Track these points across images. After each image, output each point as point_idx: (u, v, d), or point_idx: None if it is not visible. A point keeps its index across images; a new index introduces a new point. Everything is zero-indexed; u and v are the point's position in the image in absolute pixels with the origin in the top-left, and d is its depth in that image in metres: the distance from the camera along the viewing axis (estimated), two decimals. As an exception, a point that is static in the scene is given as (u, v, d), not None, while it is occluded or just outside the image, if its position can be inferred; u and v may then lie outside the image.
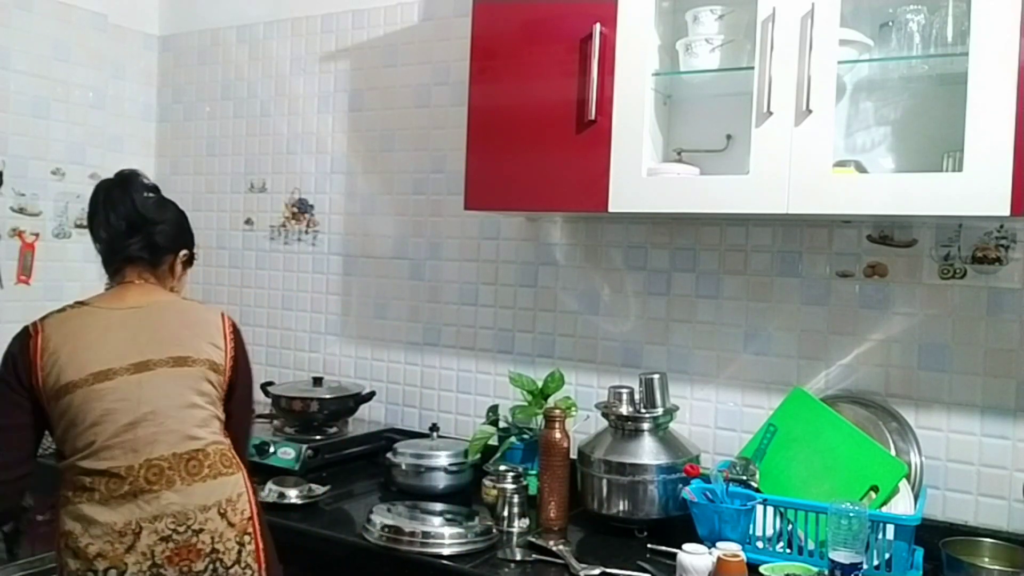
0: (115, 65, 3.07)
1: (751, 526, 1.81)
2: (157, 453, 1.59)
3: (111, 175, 1.77)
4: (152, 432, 1.60)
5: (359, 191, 2.77)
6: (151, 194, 1.75)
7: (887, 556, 1.70)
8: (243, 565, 1.62)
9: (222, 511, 1.62)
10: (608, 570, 1.74)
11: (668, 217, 2.18)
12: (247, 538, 1.64)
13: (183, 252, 1.81)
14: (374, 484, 2.33)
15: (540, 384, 2.27)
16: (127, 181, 1.74)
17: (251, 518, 1.66)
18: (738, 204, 1.83)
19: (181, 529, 1.57)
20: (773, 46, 1.76)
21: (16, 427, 1.61)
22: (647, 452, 1.98)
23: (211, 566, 1.58)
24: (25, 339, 1.63)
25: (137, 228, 1.70)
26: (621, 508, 1.98)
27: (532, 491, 2.09)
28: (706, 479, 1.95)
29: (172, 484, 1.59)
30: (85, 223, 2.90)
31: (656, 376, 2.03)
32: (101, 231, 1.71)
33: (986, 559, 1.79)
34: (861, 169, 1.92)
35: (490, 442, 2.27)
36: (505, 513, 2.00)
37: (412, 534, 1.84)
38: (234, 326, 1.79)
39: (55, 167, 2.89)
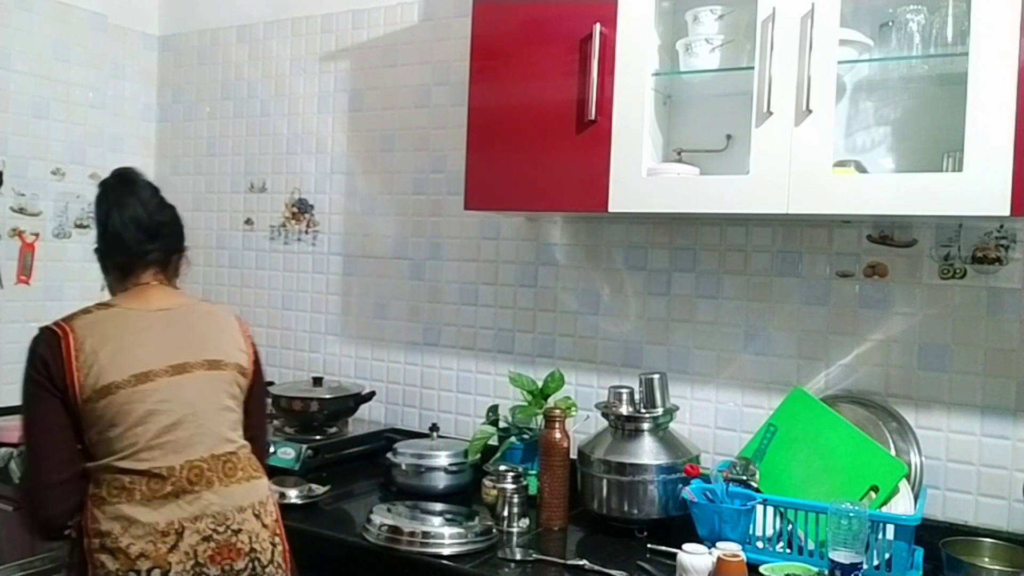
0: (115, 65, 3.07)
1: (751, 526, 1.81)
2: (196, 455, 1.62)
3: (110, 175, 1.78)
4: (191, 434, 1.62)
5: (359, 191, 2.77)
6: (154, 195, 1.76)
7: (887, 556, 1.70)
8: (276, 564, 1.67)
9: (256, 512, 1.66)
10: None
11: (668, 217, 2.18)
12: (277, 539, 1.69)
13: (185, 253, 1.82)
14: (374, 484, 2.33)
15: (540, 384, 2.27)
16: (131, 181, 1.75)
17: (277, 520, 1.71)
18: (738, 204, 1.83)
19: (221, 529, 1.60)
20: (773, 46, 1.76)
21: (60, 427, 1.61)
22: (647, 452, 1.98)
23: (250, 564, 1.62)
24: (55, 340, 1.60)
25: (155, 233, 1.72)
26: (621, 508, 1.98)
27: (532, 491, 2.09)
28: (706, 479, 1.95)
29: (211, 485, 1.62)
30: (85, 223, 2.94)
31: (656, 376, 2.03)
32: (111, 233, 1.71)
33: (986, 559, 1.79)
34: (861, 169, 1.92)
35: (490, 442, 2.27)
36: (505, 513, 2.00)
37: (412, 534, 1.83)
38: (248, 329, 1.83)
39: (55, 167, 2.89)
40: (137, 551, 1.54)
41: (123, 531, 1.55)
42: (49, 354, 1.60)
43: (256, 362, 1.79)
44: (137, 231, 1.71)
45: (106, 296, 1.77)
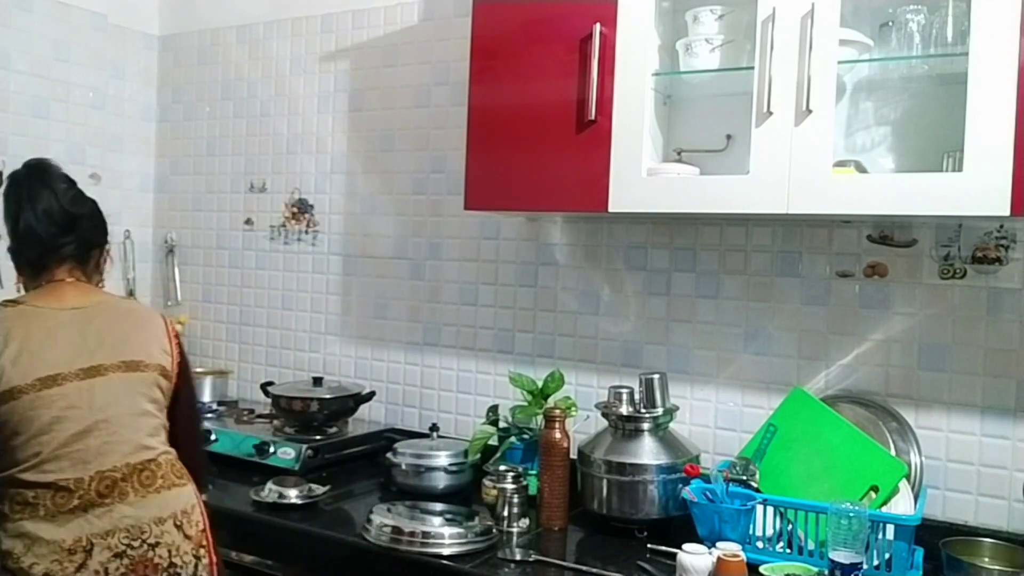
0: (115, 65, 3.07)
1: (751, 526, 1.81)
2: (109, 464, 1.52)
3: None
4: (103, 442, 1.52)
5: (359, 191, 2.77)
6: (69, 187, 1.65)
7: (887, 556, 1.70)
8: None
9: (178, 523, 1.56)
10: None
11: (668, 217, 2.18)
12: (202, 551, 1.59)
13: (106, 246, 1.73)
14: (374, 484, 2.33)
15: (540, 384, 2.27)
16: (44, 172, 1.64)
17: (204, 531, 1.61)
18: (738, 204, 1.83)
19: (136, 544, 1.51)
20: (773, 46, 1.76)
21: None
22: (647, 452, 1.97)
23: None
24: None
25: (69, 226, 1.61)
26: (621, 508, 1.97)
27: (532, 491, 2.09)
28: (706, 479, 1.95)
29: (125, 496, 1.52)
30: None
31: (656, 376, 2.03)
32: (23, 227, 1.59)
33: (986, 559, 1.79)
34: (861, 169, 1.92)
35: (490, 442, 2.27)
36: (505, 513, 2.00)
37: (412, 534, 1.83)
38: (175, 330, 1.72)
39: (55, 167, 2.88)
40: (40, 571, 1.44)
41: (25, 550, 1.45)
42: None
43: (182, 364, 1.68)
44: (50, 224, 1.59)
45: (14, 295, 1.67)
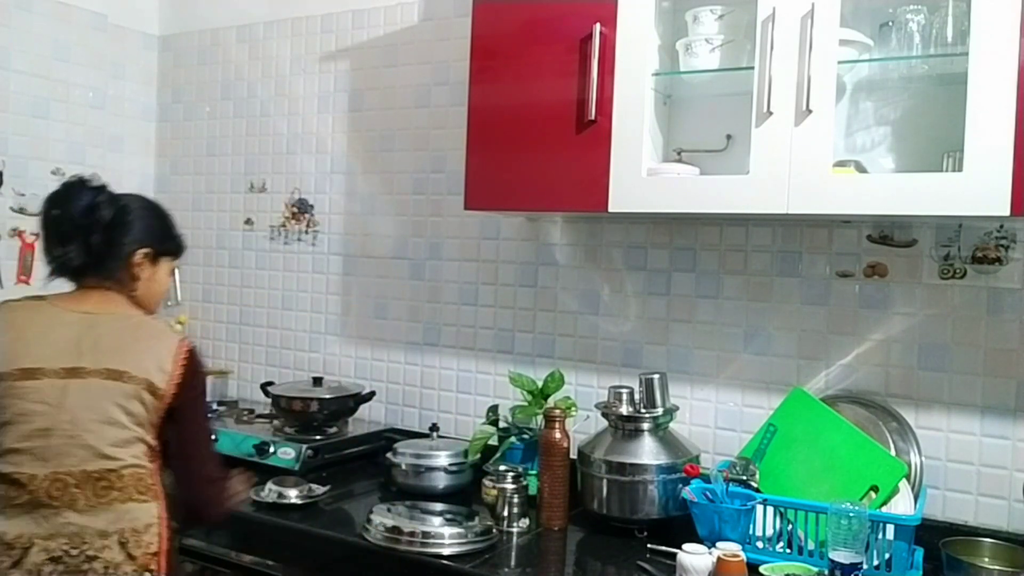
0: (115, 65, 3.07)
1: (751, 526, 1.81)
2: (66, 467, 1.49)
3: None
4: (63, 443, 1.49)
5: (359, 191, 2.77)
6: (92, 198, 1.61)
7: (887, 556, 1.70)
8: None
9: (123, 540, 1.50)
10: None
11: (668, 217, 2.18)
12: (147, 575, 1.52)
13: (142, 251, 1.66)
14: (374, 484, 2.33)
15: (540, 384, 2.27)
16: (66, 192, 1.62)
17: (157, 554, 1.53)
18: (738, 204, 1.83)
19: (74, 552, 1.47)
20: (773, 46, 1.76)
21: None
22: (647, 452, 1.98)
23: None
24: None
25: (69, 237, 1.59)
26: (621, 508, 1.98)
27: (532, 491, 2.09)
28: (706, 479, 1.95)
29: (75, 503, 1.48)
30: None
31: (656, 376, 2.03)
32: (43, 248, 1.63)
33: (986, 559, 1.79)
34: (861, 169, 1.92)
35: (490, 442, 2.27)
36: (505, 513, 2.00)
37: (412, 534, 1.83)
38: (191, 354, 1.62)
39: (55, 167, 2.88)
40: None
41: None
42: None
43: (183, 387, 1.58)
44: (53, 234, 1.60)
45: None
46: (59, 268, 1.62)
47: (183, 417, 1.60)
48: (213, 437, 1.71)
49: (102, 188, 1.64)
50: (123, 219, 1.64)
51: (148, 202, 1.76)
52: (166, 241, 1.75)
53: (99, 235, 1.60)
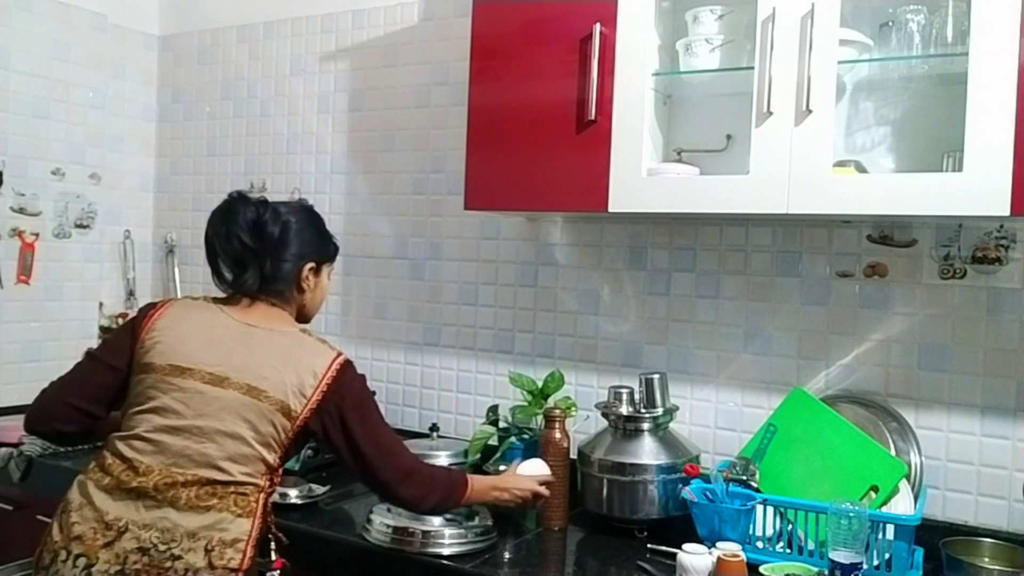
0: (115, 65, 3.07)
1: (751, 526, 1.81)
2: (180, 468, 1.55)
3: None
4: (187, 446, 1.56)
5: (359, 191, 2.77)
6: (257, 214, 1.67)
7: (887, 556, 1.70)
8: None
9: (209, 548, 1.52)
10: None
11: (668, 217, 2.18)
12: None
13: (308, 267, 1.72)
14: (374, 484, 2.33)
15: (540, 384, 2.26)
16: (230, 208, 1.68)
17: (236, 571, 1.54)
18: (738, 204, 1.83)
19: (162, 548, 1.51)
20: (773, 46, 1.76)
21: (109, 368, 1.67)
22: (647, 452, 1.97)
23: None
24: (148, 310, 1.69)
25: (243, 262, 1.67)
26: (621, 508, 1.97)
27: (532, 491, 2.09)
28: (706, 479, 1.95)
29: (177, 502, 1.53)
30: (85, 223, 2.94)
31: (656, 376, 2.03)
32: (217, 265, 1.70)
33: (986, 559, 1.79)
34: (861, 169, 1.92)
35: (490, 442, 2.27)
36: (505, 513, 2.00)
37: (412, 534, 1.83)
38: (342, 368, 1.64)
39: (55, 167, 2.89)
40: (77, 532, 1.52)
41: (78, 508, 1.55)
42: (138, 319, 1.68)
43: (325, 402, 1.61)
44: (226, 261, 1.69)
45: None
46: (237, 290, 1.70)
47: (347, 429, 1.66)
48: (390, 437, 1.75)
49: (264, 202, 1.71)
50: (287, 237, 1.69)
51: (304, 211, 1.78)
52: (325, 249, 1.80)
53: (269, 258, 1.68)
